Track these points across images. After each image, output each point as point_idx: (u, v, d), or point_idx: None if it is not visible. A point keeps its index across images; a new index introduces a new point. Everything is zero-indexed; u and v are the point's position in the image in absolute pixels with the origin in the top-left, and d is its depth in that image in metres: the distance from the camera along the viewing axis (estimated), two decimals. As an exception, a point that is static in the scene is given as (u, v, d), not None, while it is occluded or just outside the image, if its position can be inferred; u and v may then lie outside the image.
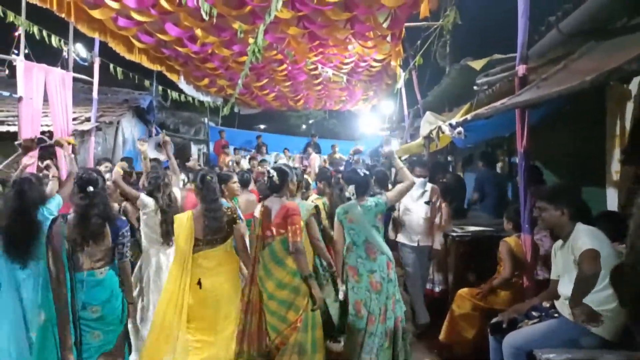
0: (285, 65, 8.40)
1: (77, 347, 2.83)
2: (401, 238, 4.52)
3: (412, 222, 4.46)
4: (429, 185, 4.59)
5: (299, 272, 3.03)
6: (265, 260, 3.11)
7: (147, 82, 9.57)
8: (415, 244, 4.44)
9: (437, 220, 4.47)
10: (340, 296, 3.41)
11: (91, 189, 2.89)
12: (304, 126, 20.52)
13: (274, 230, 3.11)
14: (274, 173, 3.20)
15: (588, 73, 2.26)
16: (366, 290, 3.32)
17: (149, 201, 3.79)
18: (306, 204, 3.63)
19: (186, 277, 3.19)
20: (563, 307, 2.66)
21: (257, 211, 3.26)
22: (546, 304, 2.86)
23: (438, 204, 4.51)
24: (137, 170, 6.02)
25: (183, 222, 3.27)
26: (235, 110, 12.43)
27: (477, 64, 4.76)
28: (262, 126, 19.18)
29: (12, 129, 7.10)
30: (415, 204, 4.49)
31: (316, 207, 3.92)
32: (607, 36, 3.16)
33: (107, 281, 2.94)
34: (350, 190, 3.50)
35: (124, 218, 3.49)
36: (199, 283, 3.22)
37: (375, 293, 3.31)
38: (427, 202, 4.47)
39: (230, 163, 8.24)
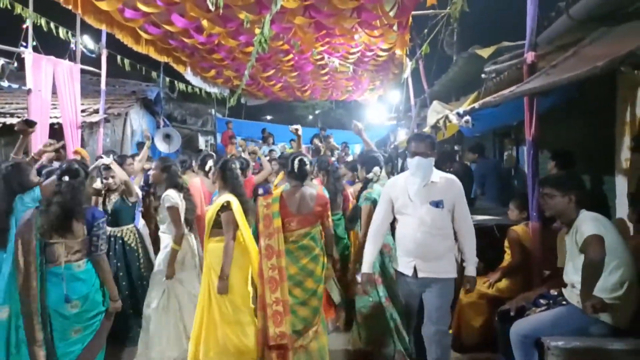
0: (291, 56, 8.35)
1: (47, 344, 2.62)
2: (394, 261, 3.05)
3: (405, 234, 2.84)
4: (437, 174, 2.82)
5: (325, 255, 3.17)
6: (299, 255, 3.04)
7: (154, 74, 9.60)
8: (410, 272, 2.82)
9: (464, 236, 2.84)
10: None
11: (66, 178, 2.75)
12: (310, 117, 20.48)
13: (312, 219, 3.05)
14: (307, 161, 3.08)
15: (599, 59, 2.23)
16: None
17: None
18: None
19: None
20: (571, 294, 2.66)
21: (275, 203, 3.02)
22: (554, 292, 2.86)
23: (458, 207, 2.81)
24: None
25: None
26: (242, 101, 12.42)
27: (485, 52, 4.72)
28: (268, 117, 19.20)
29: (22, 121, 7.17)
30: (411, 203, 2.79)
31: None
32: (618, 22, 3.11)
33: (87, 275, 2.75)
34: (375, 171, 3.51)
35: (100, 209, 3.47)
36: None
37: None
38: (433, 204, 2.74)
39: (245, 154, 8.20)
